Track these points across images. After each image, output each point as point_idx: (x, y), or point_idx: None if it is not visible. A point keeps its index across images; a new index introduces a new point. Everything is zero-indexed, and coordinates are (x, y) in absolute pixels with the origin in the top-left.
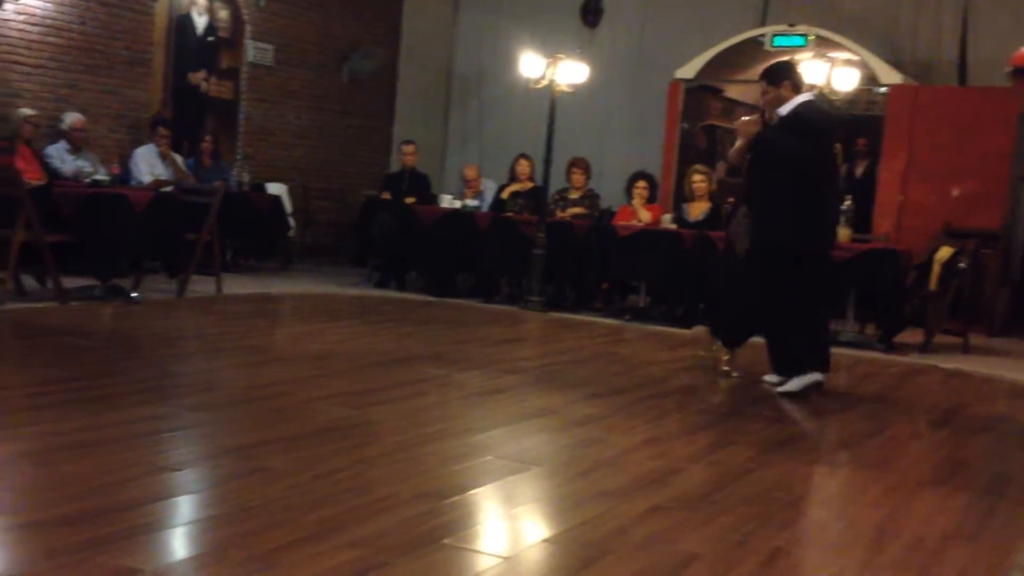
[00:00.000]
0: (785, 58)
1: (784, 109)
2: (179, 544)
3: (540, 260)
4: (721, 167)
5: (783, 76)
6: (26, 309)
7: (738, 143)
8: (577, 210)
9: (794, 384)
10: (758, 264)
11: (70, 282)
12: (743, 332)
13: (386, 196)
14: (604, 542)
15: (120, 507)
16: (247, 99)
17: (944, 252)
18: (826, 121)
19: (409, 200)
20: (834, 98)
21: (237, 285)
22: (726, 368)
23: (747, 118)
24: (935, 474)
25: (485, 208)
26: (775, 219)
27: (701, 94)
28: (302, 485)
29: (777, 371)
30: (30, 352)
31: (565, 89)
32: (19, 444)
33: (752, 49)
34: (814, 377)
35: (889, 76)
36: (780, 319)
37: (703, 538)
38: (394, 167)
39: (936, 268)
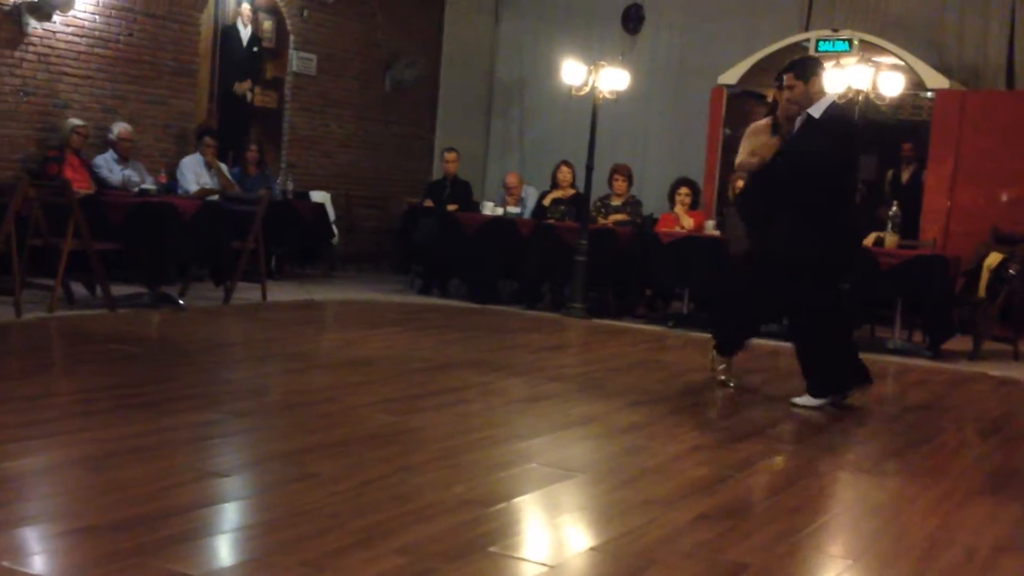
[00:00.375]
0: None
1: (816, 110)
2: (228, 550)
3: (582, 267)
4: None
5: (812, 72)
6: (76, 316)
7: (752, 159)
8: (619, 217)
9: (814, 401)
10: (789, 279)
11: (118, 290)
12: (741, 338)
13: (428, 203)
14: (650, 551)
15: (170, 512)
16: (291, 108)
17: (993, 258)
18: (856, 124)
19: (451, 207)
20: (880, 103)
21: (282, 292)
22: (723, 377)
23: (766, 140)
24: (986, 484)
25: (527, 215)
26: (811, 231)
27: (744, 100)
28: (349, 491)
29: (812, 391)
30: (80, 359)
31: (607, 96)
32: (71, 450)
33: (797, 54)
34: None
35: (935, 80)
36: (815, 336)
37: (751, 548)
38: (436, 175)
39: (985, 274)
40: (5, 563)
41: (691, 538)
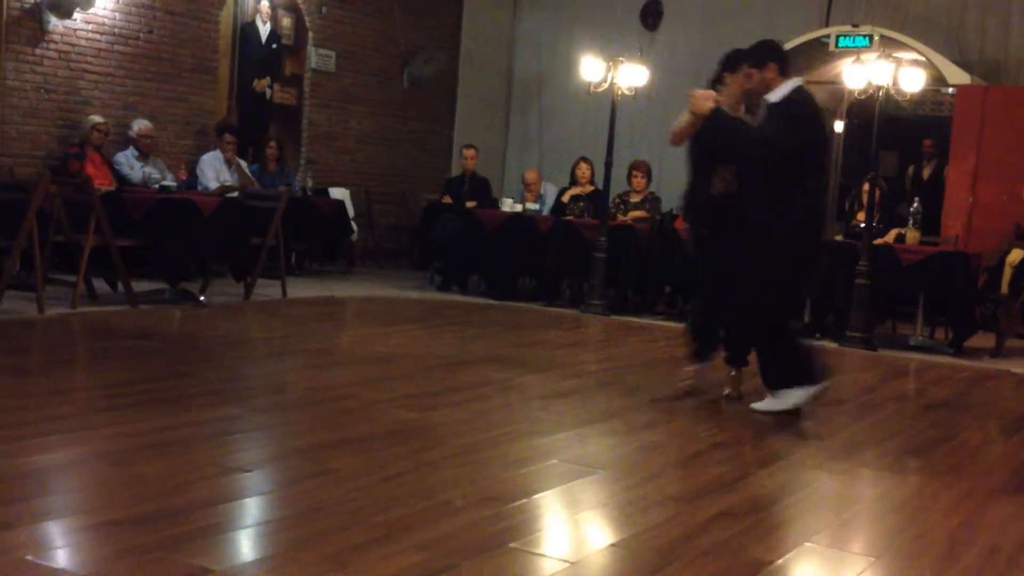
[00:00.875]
0: (770, 39)
1: (774, 96)
2: (250, 545)
3: (601, 263)
4: None
5: (768, 56)
6: (98, 312)
7: (685, 117)
8: (638, 213)
9: (778, 403)
10: (752, 273)
11: (140, 286)
12: (714, 339)
13: (447, 200)
14: (671, 548)
15: (192, 507)
16: (310, 105)
17: (1016, 254)
18: (819, 109)
19: (470, 204)
20: (900, 99)
21: (302, 288)
22: (688, 381)
23: (701, 91)
24: (1008, 481)
25: (546, 212)
26: (776, 223)
27: None
28: (369, 487)
29: (770, 384)
30: (102, 355)
31: (626, 92)
32: (94, 445)
33: (816, 50)
34: (805, 392)
35: (956, 76)
36: (773, 330)
37: (771, 545)
38: (455, 171)
39: (1007, 271)
40: (29, 557)
41: (711, 535)
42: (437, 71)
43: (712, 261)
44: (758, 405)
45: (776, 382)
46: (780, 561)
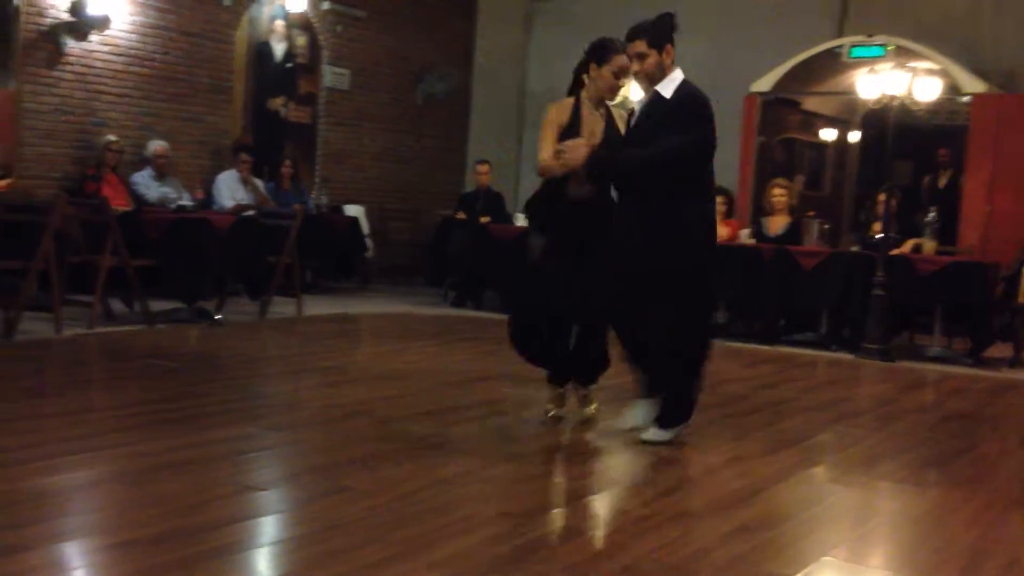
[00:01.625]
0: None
1: (666, 90)
2: (266, 564)
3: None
4: (801, 180)
5: (667, 38)
6: (115, 332)
7: (552, 166)
8: None
9: (666, 435)
10: (643, 289)
11: (156, 305)
12: (559, 358)
13: (461, 216)
14: (686, 564)
15: (208, 527)
16: (325, 123)
17: None
18: (711, 108)
19: (484, 219)
20: (915, 108)
21: (317, 306)
22: (550, 406)
23: (572, 143)
24: None
25: None
26: (666, 231)
27: (778, 107)
28: (384, 505)
29: (662, 424)
30: (119, 374)
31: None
32: (111, 465)
33: (830, 60)
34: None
35: (972, 85)
36: (674, 353)
37: (788, 560)
38: (469, 187)
39: None
40: None
41: (727, 551)
42: (450, 87)
43: (562, 275)
44: (646, 435)
45: (667, 412)
46: (799, 575)
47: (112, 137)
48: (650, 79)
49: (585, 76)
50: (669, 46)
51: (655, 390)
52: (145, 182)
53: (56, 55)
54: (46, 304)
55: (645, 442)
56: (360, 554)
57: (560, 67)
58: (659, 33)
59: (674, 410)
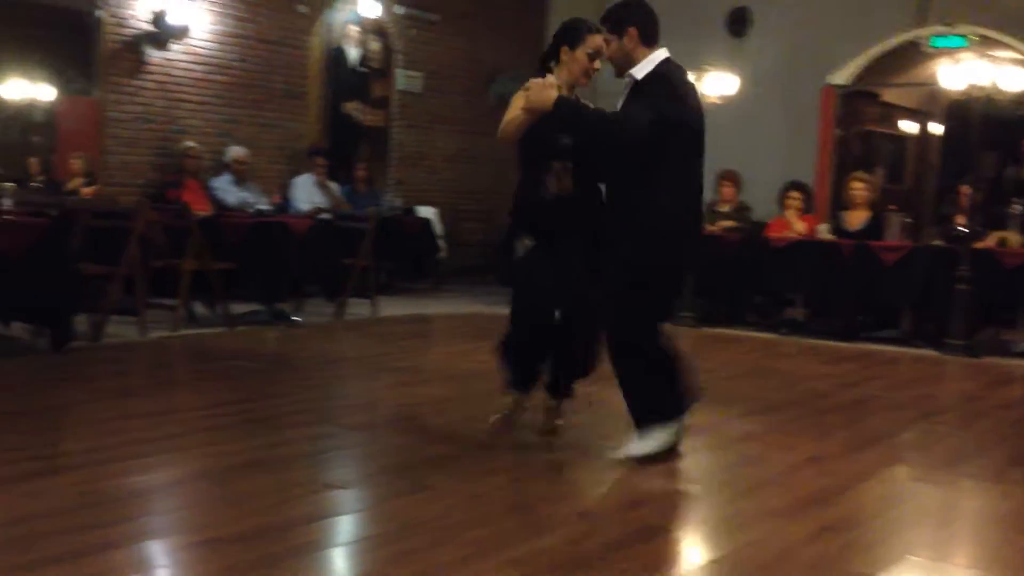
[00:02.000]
0: None
1: (640, 72)
2: (344, 562)
3: (691, 275)
4: (881, 173)
5: (628, 20)
6: (197, 335)
7: (516, 115)
8: (728, 223)
9: (649, 444)
10: (613, 287)
11: (236, 308)
12: (536, 365)
13: None
14: (771, 564)
15: (289, 525)
16: (398, 126)
17: None
18: (692, 86)
19: None
20: (1000, 99)
21: (391, 307)
22: (504, 414)
23: (539, 80)
24: None
25: None
26: (643, 222)
27: (856, 100)
28: (462, 504)
29: (638, 423)
30: (202, 375)
31: (715, 101)
32: (195, 464)
33: (910, 51)
34: (672, 429)
35: None
36: (639, 355)
37: (874, 560)
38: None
39: None
40: (142, 573)
41: (812, 551)
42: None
43: (545, 274)
44: (626, 451)
45: (639, 416)
46: (883, 575)
47: (191, 143)
48: (616, 66)
49: (553, 64)
50: (632, 29)
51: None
52: (224, 187)
53: (138, 64)
54: (131, 308)
55: (630, 458)
56: (438, 552)
57: None
58: (619, 18)
59: (643, 410)
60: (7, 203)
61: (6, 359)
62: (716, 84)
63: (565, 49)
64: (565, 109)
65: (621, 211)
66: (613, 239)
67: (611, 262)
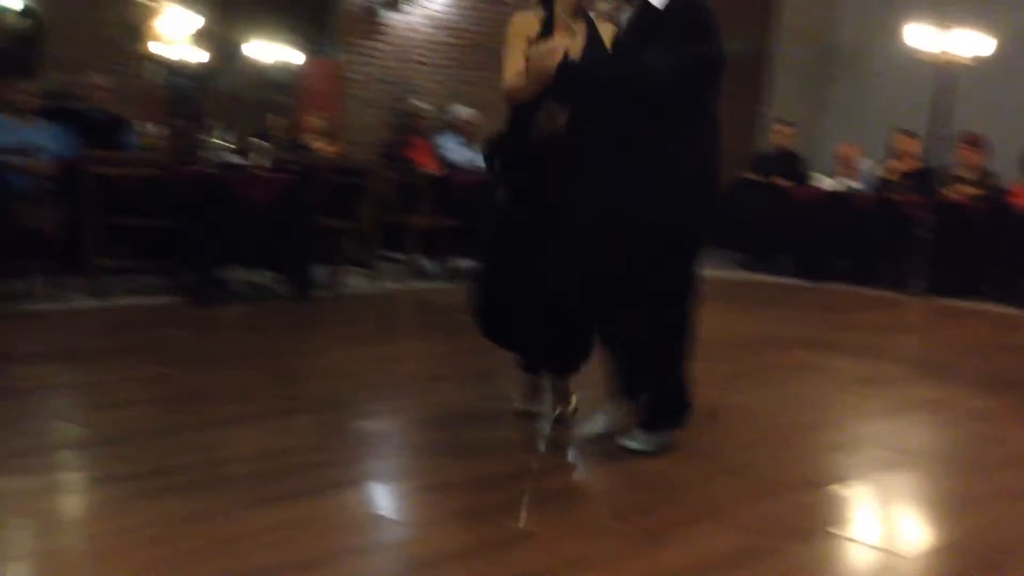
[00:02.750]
0: None
1: None
2: (562, 507)
3: (927, 243)
4: None
5: None
6: (424, 288)
7: (522, 82)
8: (970, 190)
9: (655, 439)
10: (612, 250)
11: (461, 263)
12: (515, 337)
13: (755, 176)
14: (1011, 546)
15: (513, 475)
16: None
17: None
18: (714, 15)
19: (779, 180)
20: None
21: None
22: (520, 405)
23: (541, 48)
24: None
25: (865, 188)
26: (655, 184)
27: None
28: (681, 463)
29: (648, 427)
30: (427, 327)
31: (965, 61)
32: (423, 412)
33: None
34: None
35: None
36: (659, 335)
37: None
38: (763, 146)
39: None
40: (376, 511)
41: None
42: (747, 46)
43: (525, 231)
44: (631, 443)
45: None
46: None
47: (422, 104)
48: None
49: None
50: None
51: (637, 389)
52: (452, 146)
53: (373, 27)
54: (364, 260)
55: (629, 450)
56: (664, 512)
57: (872, 19)
58: None
59: (663, 411)
60: (265, 161)
61: (252, 304)
62: (965, 43)
63: None
64: (568, 79)
65: (639, 165)
66: (629, 201)
67: (630, 231)
